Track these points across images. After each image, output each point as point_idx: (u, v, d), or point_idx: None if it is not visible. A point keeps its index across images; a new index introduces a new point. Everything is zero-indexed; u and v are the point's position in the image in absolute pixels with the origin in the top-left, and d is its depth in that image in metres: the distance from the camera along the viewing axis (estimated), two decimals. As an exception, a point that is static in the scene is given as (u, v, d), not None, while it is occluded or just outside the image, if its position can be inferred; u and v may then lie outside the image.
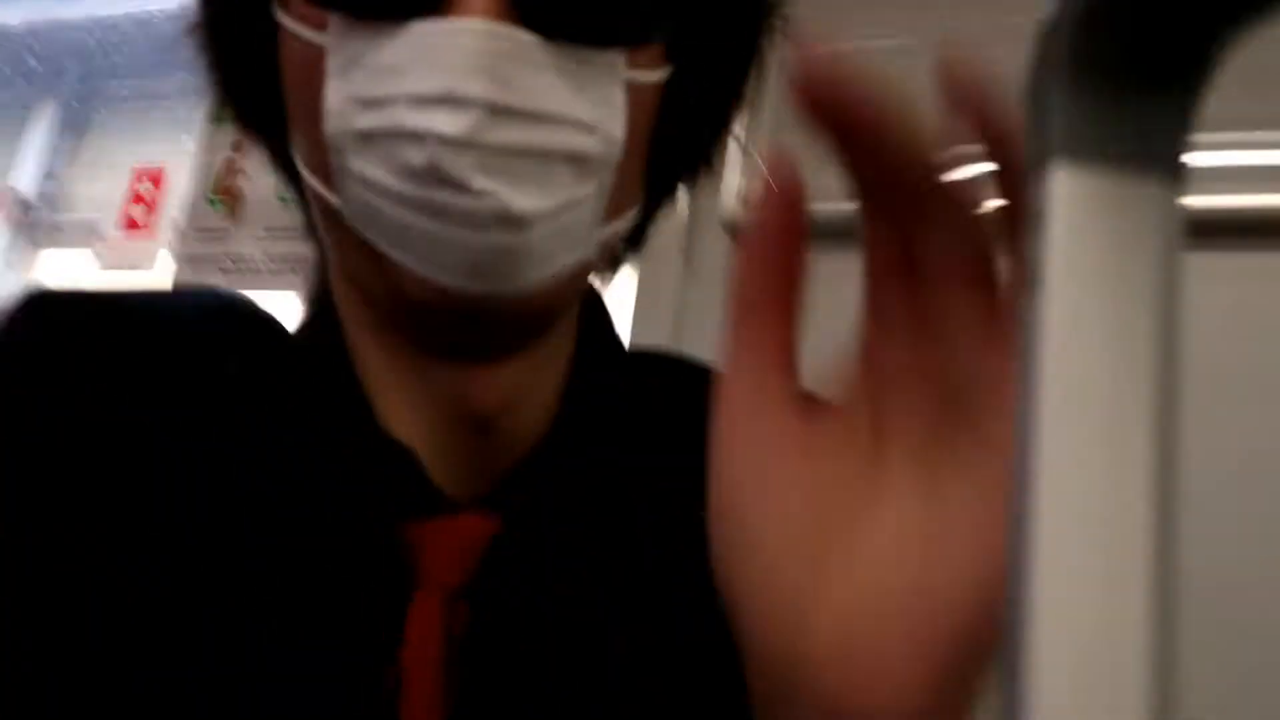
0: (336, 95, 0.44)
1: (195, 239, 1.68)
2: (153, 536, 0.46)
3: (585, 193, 0.46)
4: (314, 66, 0.45)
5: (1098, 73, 0.18)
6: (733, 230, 1.20)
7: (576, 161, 0.45)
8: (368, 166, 0.44)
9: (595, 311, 0.56)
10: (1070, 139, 0.18)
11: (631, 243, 0.55)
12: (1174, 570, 0.18)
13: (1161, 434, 0.19)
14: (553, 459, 0.51)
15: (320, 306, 0.53)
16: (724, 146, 0.57)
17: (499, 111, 0.42)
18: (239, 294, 0.57)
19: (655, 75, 0.49)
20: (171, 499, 0.47)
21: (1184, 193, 0.18)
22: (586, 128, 0.45)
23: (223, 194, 1.68)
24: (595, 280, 0.55)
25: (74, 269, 1.99)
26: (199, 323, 0.53)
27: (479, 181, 0.42)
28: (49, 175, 2.09)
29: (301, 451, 0.49)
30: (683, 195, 1.23)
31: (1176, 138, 0.18)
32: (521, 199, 0.43)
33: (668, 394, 0.56)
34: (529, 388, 0.51)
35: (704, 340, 1.17)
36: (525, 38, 0.43)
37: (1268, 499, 1.00)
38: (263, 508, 0.48)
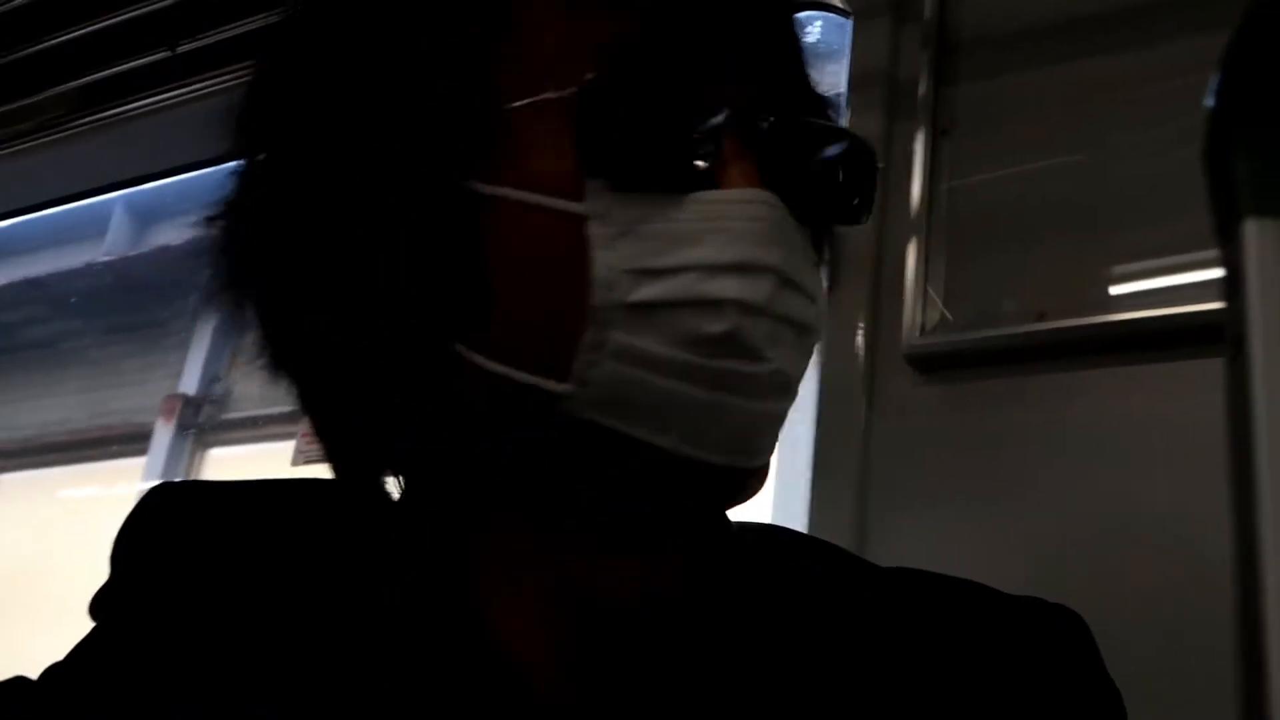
0: (606, 266, 0.42)
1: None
2: None
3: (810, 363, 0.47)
4: (564, 238, 0.43)
5: (1283, 120, 0.18)
6: (914, 363, 1.18)
7: (810, 333, 0.46)
8: (640, 339, 0.42)
9: None
10: (1260, 193, 0.17)
11: None
12: None
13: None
14: (665, 655, 0.48)
15: (418, 509, 0.51)
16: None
17: (785, 283, 0.43)
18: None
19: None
20: (259, 704, 0.46)
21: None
22: (815, 300, 0.46)
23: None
24: None
25: (244, 465, 2.10)
26: (308, 512, 0.53)
27: (768, 350, 0.43)
28: (214, 379, 2.24)
29: (398, 661, 0.47)
30: (862, 331, 1.21)
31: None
32: (795, 368, 0.45)
33: (785, 581, 0.52)
34: (666, 580, 0.49)
35: (890, 476, 1.15)
36: (786, 210, 0.45)
37: None
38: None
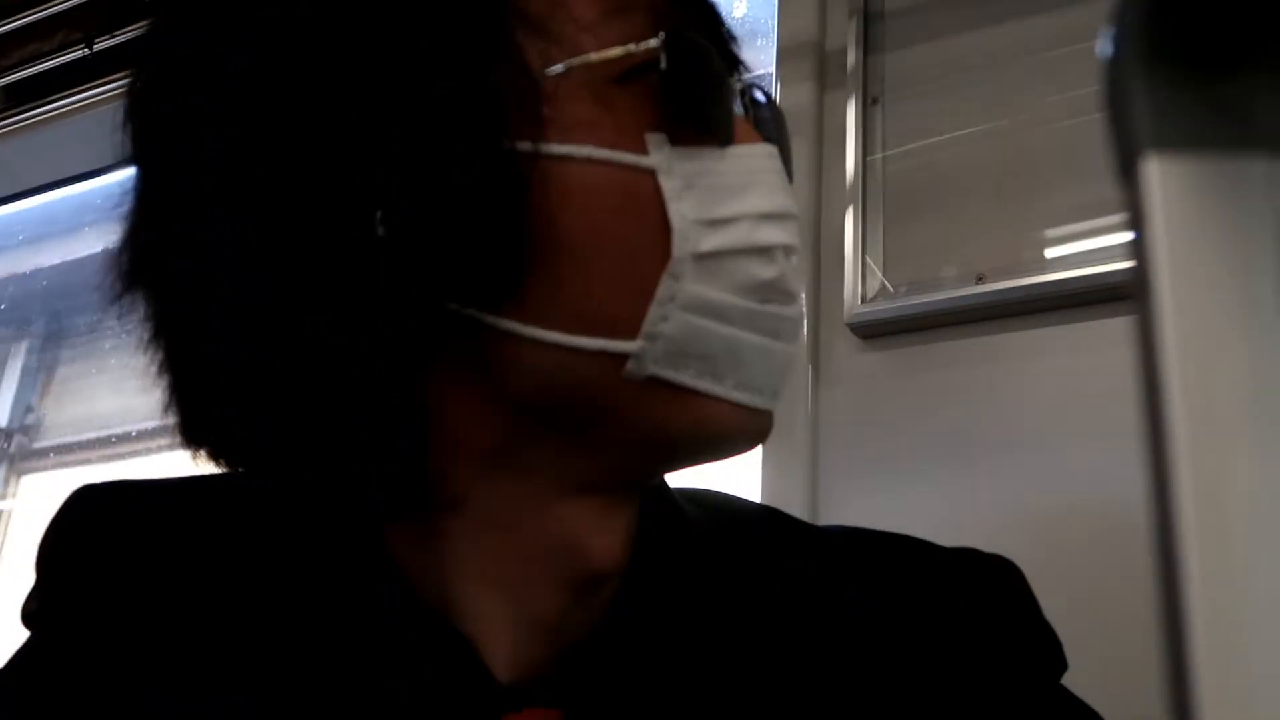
0: (680, 217, 0.43)
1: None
2: None
3: None
4: (637, 192, 0.44)
5: (1181, 56, 0.17)
6: (857, 331, 1.19)
7: None
8: (707, 288, 0.44)
9: None
10: (1160, 131, 0.17)
11: None
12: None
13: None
14: (618, 637, 0.48)
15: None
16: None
17: (797, 225, 0.47)
18: None
19: None
20: (213, 702, 0.45)
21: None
22: None
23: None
24: None
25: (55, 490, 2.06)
26: (237, 507, 0.51)
27: (797, 290, 0.47)
28: (27, 408, 2.20)
29: (345, 651, 0.46)
30: (804, 301, 1.21)
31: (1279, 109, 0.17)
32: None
33: (726, 546, 0.53)
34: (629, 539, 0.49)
35: (839, 443, 1.15)
36: None
37: None
38: (317, 709, 0.45)
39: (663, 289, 0.43)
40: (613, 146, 0.44)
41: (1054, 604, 0.55)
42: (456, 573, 0.47)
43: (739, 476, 1.20)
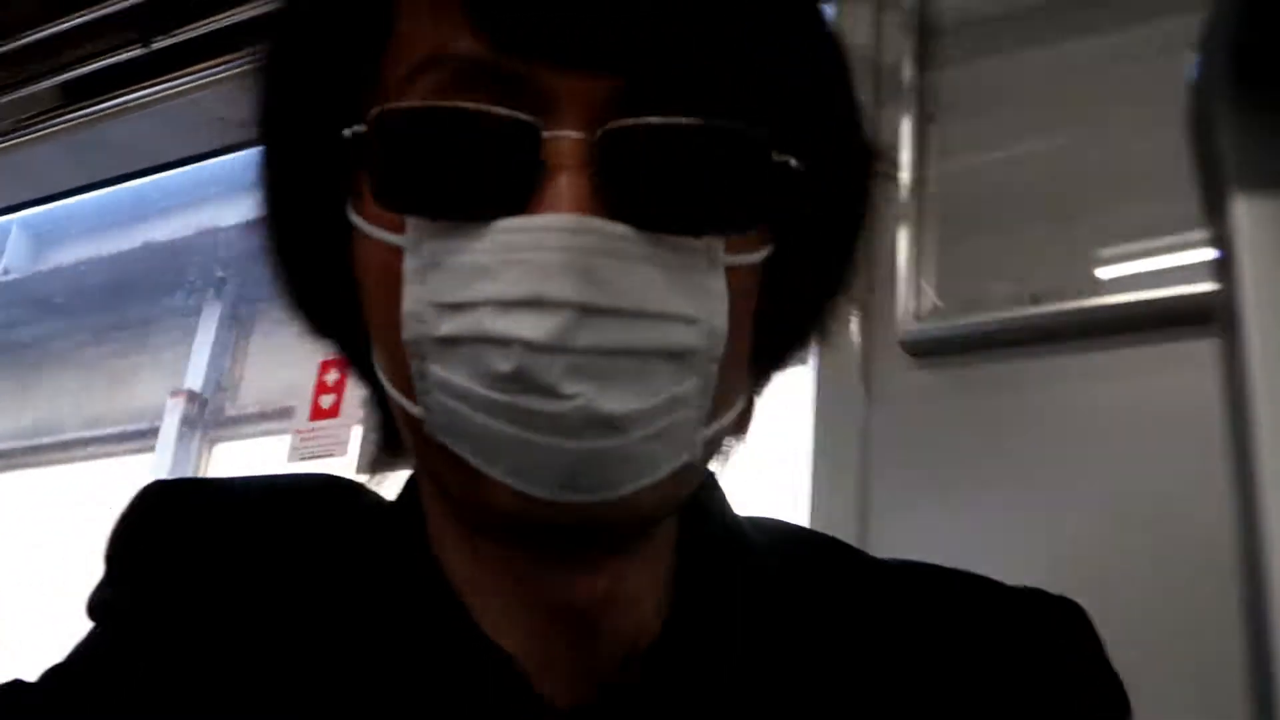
0: (414, 300, 0.42)
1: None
2: None
3: (687, 390, 0.42)
4: (391, 270, 0.42)
5: (1269, 91, 0.17)
6: (909, 349, 1.18)
7: (677, 358, 0.41)
8: (451, 373, 0.41)
9: (703, 490, 0.51)
10: (1249, 167, 0.17)
11: (737, 430, 0.49)
12: None
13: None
14: (663, 662, 0.47)
15: (406, 508, 0.51)
16: (837, 316, 0.52)
17: (590, 312, 0.39)
18: (345, 479, 0.56)
19: (757, 256, 0.45)
20: (263, 704, 0.46)
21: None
22: (686, 320, 0.41)
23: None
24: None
25: (257, 458, 2.09)
26: (302, 511, 0.52)
27: (568, 386, 0.40)
28: (220, 374, 2.23)
29: (399, 659, 0.46)
30: (857, 319, 1.20)
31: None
32: (614, 401, 0.40)
33: (790, 579, 0.52)
34: (633, 582, 0.47)
35: (889, 461, 1.14)
36: (617, 230, 0.40)
37: None
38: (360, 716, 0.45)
39: (413, 368, 0.42)
40: (380, 221, 0.43)
41: (1108, 634, 0.54)
42: (488, 592, 0.47)
43: (787, 493, 1.20)
